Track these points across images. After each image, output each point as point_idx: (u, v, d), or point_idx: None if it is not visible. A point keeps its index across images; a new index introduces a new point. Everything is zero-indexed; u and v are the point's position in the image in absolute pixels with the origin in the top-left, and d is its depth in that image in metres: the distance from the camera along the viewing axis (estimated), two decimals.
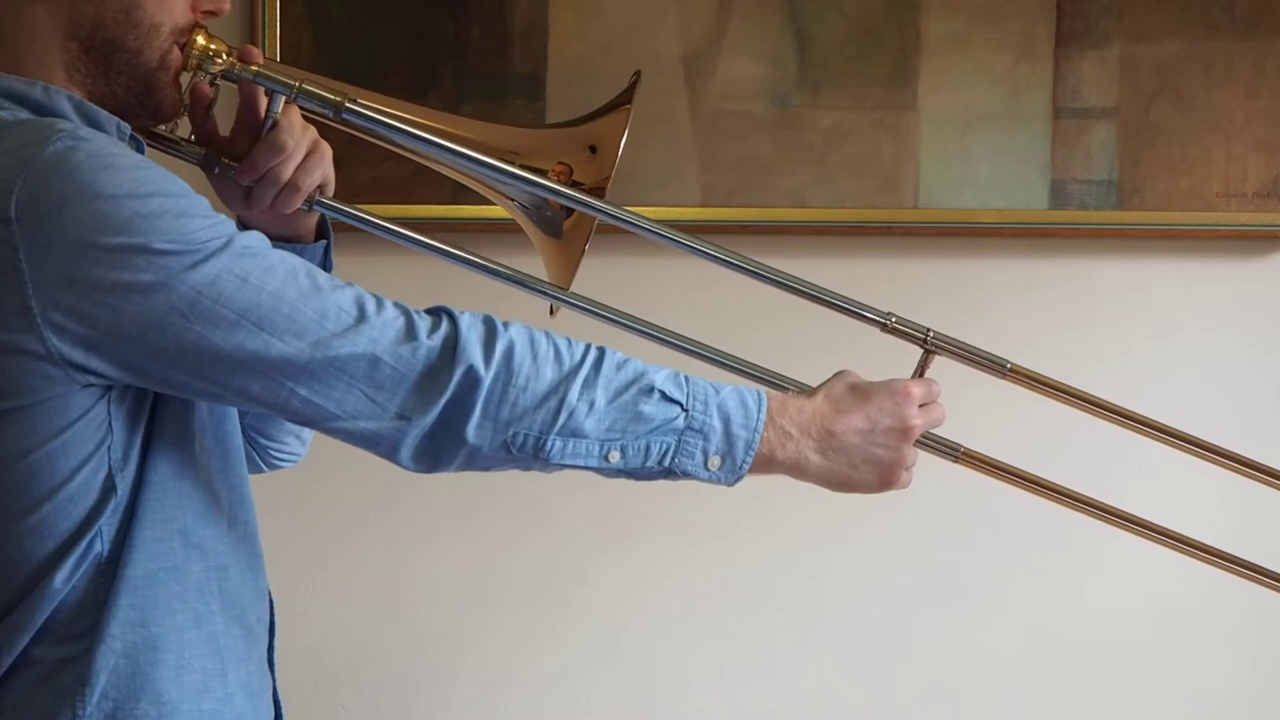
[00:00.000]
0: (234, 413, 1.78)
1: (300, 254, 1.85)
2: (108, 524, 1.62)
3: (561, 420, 1.65)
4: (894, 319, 1.89)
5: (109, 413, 1.61)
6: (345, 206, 1.83)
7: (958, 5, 2.88)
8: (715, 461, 1.72)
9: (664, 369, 1.72)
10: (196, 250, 1.56)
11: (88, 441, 1.60)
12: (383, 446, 1.65)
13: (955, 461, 1.90)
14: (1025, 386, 1.94)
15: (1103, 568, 2.95)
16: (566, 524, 2.89)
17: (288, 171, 1.77)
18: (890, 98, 2.88)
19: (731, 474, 1.74)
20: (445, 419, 1.63)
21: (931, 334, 1.89)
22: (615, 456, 1.68)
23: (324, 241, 1.89)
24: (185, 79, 1.74)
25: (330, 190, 1.83)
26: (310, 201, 1.80)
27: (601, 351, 1.70)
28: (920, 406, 1.81)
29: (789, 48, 2.86)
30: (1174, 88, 2.90)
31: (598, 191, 1.84)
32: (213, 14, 1.74)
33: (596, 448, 1.67)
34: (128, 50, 1.68)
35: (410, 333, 1.63)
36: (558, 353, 1.67)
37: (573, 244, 1.87)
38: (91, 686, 1.62)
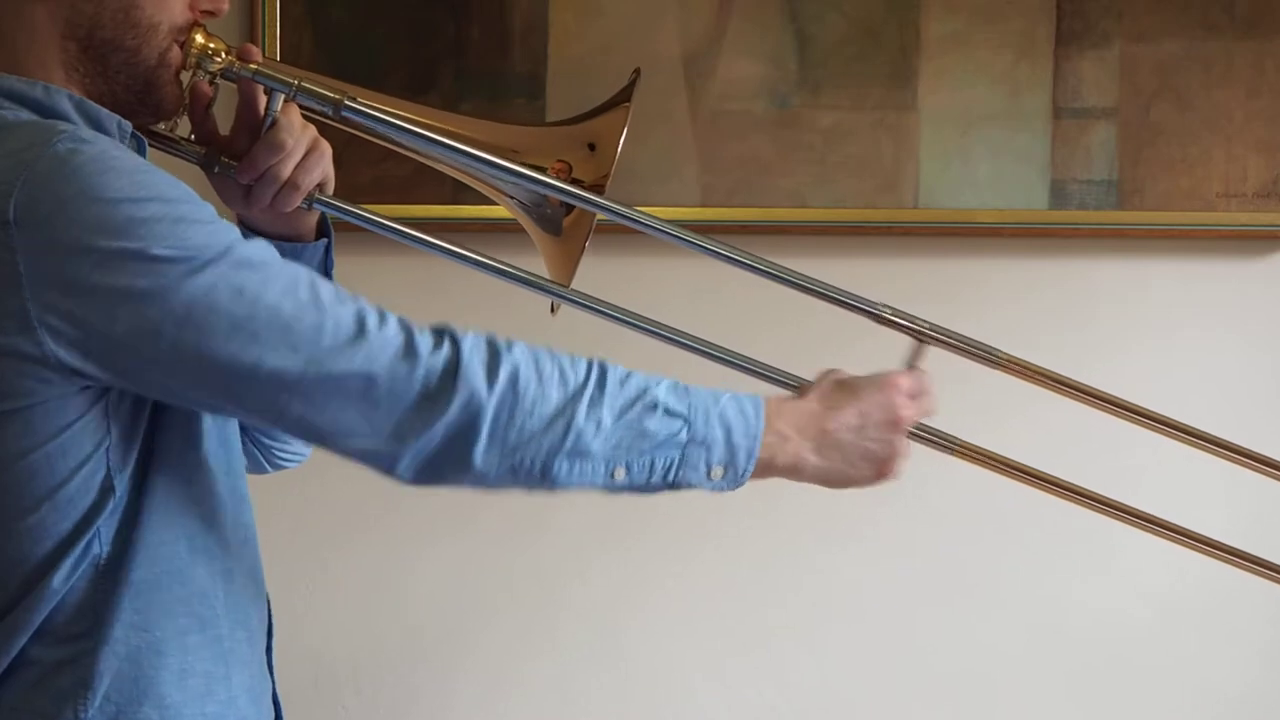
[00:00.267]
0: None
1: (300, 253, 1.85)
2: (106, 525, 1.62)
3: (570, 442, 1.63)
4: (888, 310, 1.88)
5: (107, 415, 1.60)
6: (345, 205, 1.83)
7: (958, 5, 2.88)
8: (718, 472, 1.70)
9: (663, 380, 1.70)
10: (193, 258, 1.54)
11: (86, 443, 1.60)
12: (379, 465, 1.62)
13: (950, 454, 1.90)
14: (1019, 377, 1.93)
15: (1105, 564, 2.95)
16: (566, 524, 2.89)
17: (287, 170, 1.76)
18: (890, 98, 2.88)
19: (734, 482, 1.72)
20: (447, 443, 1.60)
21: (926, 324, 1.89)
22: (621, 474, 1.66)
23: (324, 240, 1.89)
24: (185, 78, 1.74)
25: (330, 189, 1.82)
26: (310, 200, 1.80)
27: (604, 368, 1.67)
28: (910, 398, 1.81)
29: (789, 48, 2.86)
30: (1174, 88, 2.91)
31: (597, 189, 1.84)
32: (211, 14, 1.74)
33: (603, 467, 1.65)
34: (126, 49, 1.68)
35: (410, 351, 1.60)
36: (562, 373, 1.64)
37: (573, 241, 1.87)
38: (94, 690, 1.62)
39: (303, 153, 1.77)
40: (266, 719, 1.80)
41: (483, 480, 1.63)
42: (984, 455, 1.92)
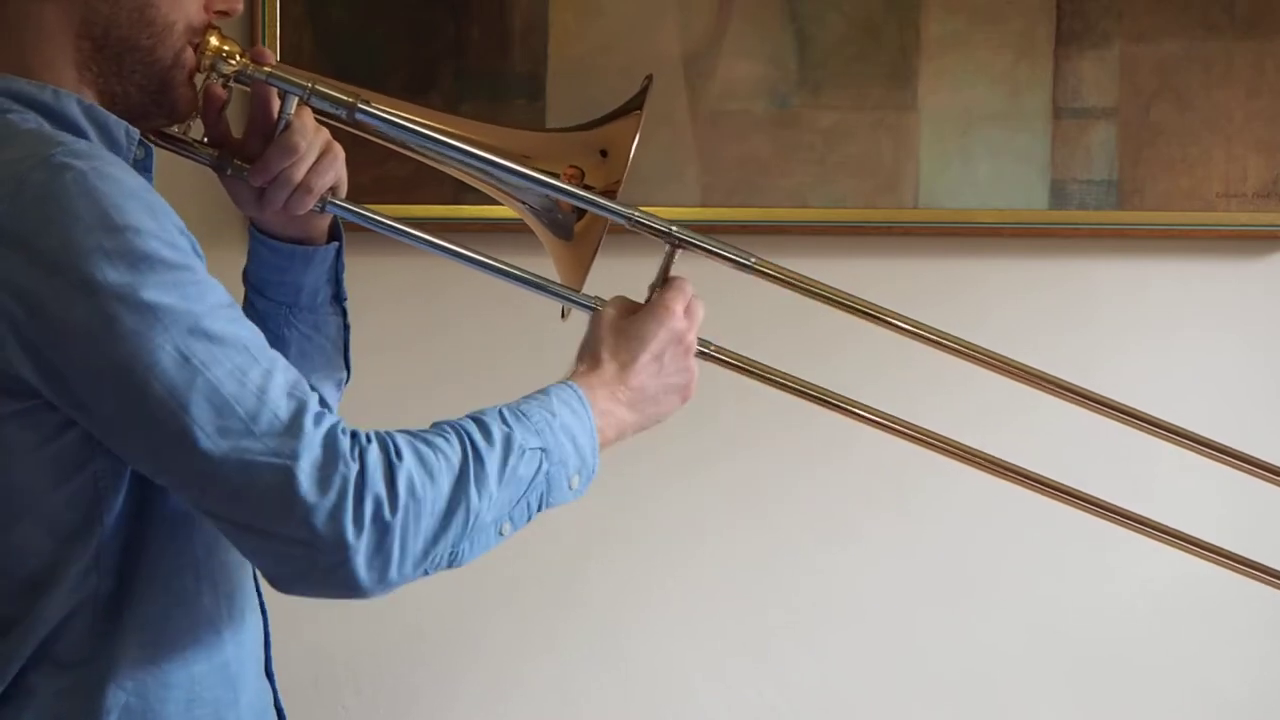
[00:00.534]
0: None
1: (312, 256, 1.86)
2: (106, 554, 1.59)
3: (471, 525, 1.60)
4: (638, 213, 1.84)
5: (91, 438, 1.56)
6: (358, 208, 1.83)
7: (958, 5, 2.88)
8: (575, 480, 1.70)
9: (507, 412, 1.66)
10: (150, 310, 1.50)
11: (66, 464, 1.57)
12: (283, 569, 1.56)
13: (705, 359, 1.87)
14: (771, 281, 1.90)
15: (1104, 564, 2.95)
16: (566, 523, 2.85)
17: (300, 173, 1.76)
18: (890, 98, 2.88)
19: (588, 482, 1.72)
20: (363, 559, 1.53)
21: (674, 229, 1.85)
22: (507, 529, 1.64)
23: (336, 244, 1.89)
24: (199, 81, 1.73)
25: (343, 192, 1.82)
26: (323, 203, 1.80)
27: (465, 431, 1.62)
28: (685, 313, 1.81)
29: (789, 48, 2.86)
30: (1174, 88, 2.91)
31: (609, 195, 1.84)
32: (225, 14, 1.73)
33: (493, 531, 1.63)
34: (141, 49, 1.67)
35: (328, 460, 1.53)
36: (443, 457, 1.59)
37: (584, 246, 1.87)
38: None
39: (316, 156, 1.77)
40: None
41: (398, 585, 1.58)
42: (730, 357, 1.90)
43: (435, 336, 2.81)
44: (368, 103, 1.76)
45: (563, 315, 1.92)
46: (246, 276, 1.91)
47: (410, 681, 2.91)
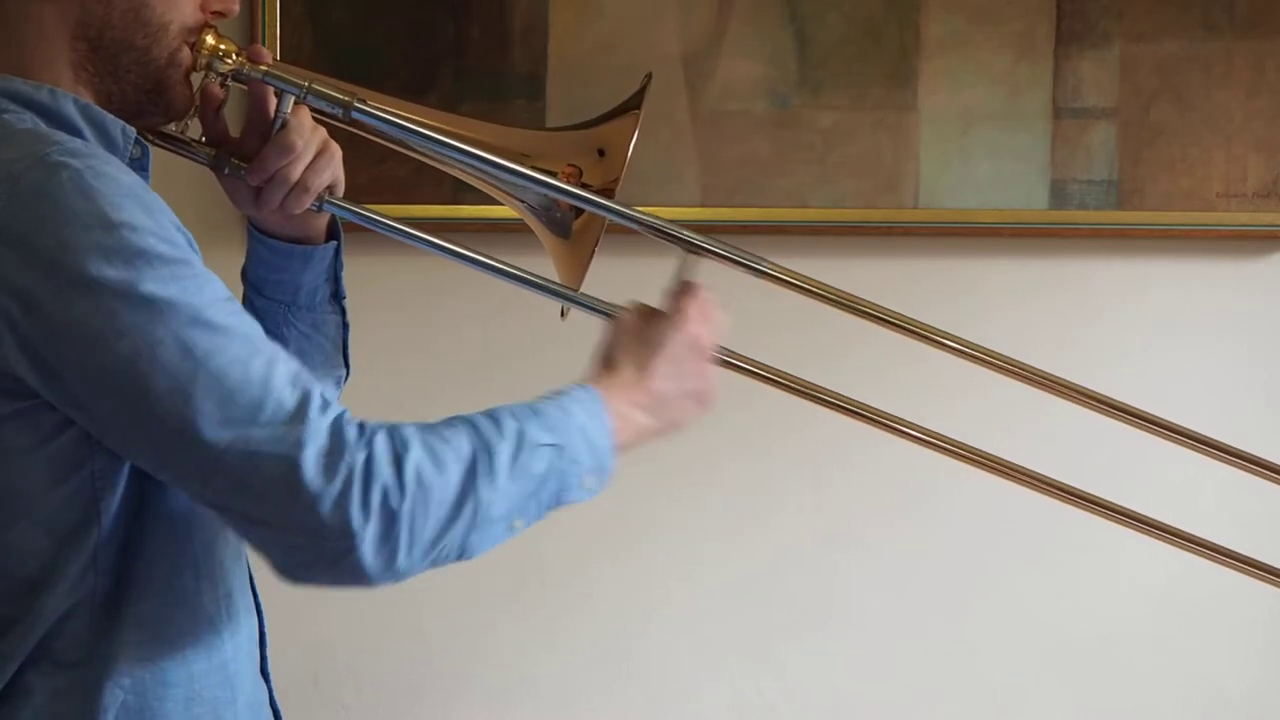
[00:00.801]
0: None
1: (310, 255, 1.86)
2: (104, 553, 1.59)
3: (480, 518, 1.59)
4: (658, 221, 1.83)
5: (89, 436, 1.56)
6: (355, 207, 1.83)
7: (958, 5, 2.88)
8: (590, 480, 1.69)
9: (521, 410, 1.66)
10: (150, 303, 1.50)
11: (64, 464, 1.57)
12: (290, 559, 1.55)
13: (725, 368, 1.87)
14: (781, 285, 1.88)
15: (1106, 564, 2.95)
16: (571, 524, 2.85)
17: (297, 172, 1.76)
18: (890, 98, 2.88)
19: (602, 483, 1.71)
20: (368, 548, 1.53)
21: (693, 236, 1.84)
22: (520, 524, 1.63)
23: (334, 243, 1.89)
24: (196, 80, 1.73)
25: (340, 191, 1.82)
26: (320, 202, 1.80)
27: (475, 425, 1.62)
28: (702, 320, 1.80)
29: (789, 48, 2.86)
30: (1174, 88, 2.91)
31: (606, 193, 1.84)
32: (221, 14, 1.73)
33: (504, 525, 1.62)
34: (136, 49, 1.67)
35: (335, 448, 1.53)
36: (454, 448, 1.59)
37: (582, 245, 1.86)
38: None
39: (313, 155, 1.77)
40: None
41: (406, 575, 1.57)
42: (745, 362, 1.90)
43: (435, 336, 2.81)
44: (364, 101, 1.76)
45: (562, 315, 1.92)
46: (245, 275, 1.91)
47: (411, 681, 2.91)
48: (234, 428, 1.50)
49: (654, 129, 2.81)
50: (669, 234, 1.84)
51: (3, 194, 1.51)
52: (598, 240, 1.85)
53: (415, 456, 1.55)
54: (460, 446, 1.59)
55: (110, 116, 1.66)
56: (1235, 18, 2.91)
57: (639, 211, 1.83)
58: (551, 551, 2.90)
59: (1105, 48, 2.90)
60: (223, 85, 1.76)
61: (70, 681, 1.61)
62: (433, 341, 2.81)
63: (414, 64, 2.80)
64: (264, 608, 1.84)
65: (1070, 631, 3.01)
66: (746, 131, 2.86)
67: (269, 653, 1.84)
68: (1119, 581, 2.97)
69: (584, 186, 1.85)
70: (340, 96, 1.75)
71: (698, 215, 2.83)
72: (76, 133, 1.62)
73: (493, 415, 1.63)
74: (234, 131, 1.80)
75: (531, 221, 1.90)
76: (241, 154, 1.78)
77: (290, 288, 1.90)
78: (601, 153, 1.88)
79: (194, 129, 1.79)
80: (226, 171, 1.79)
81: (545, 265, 1.93)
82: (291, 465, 1.51)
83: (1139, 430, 2.03)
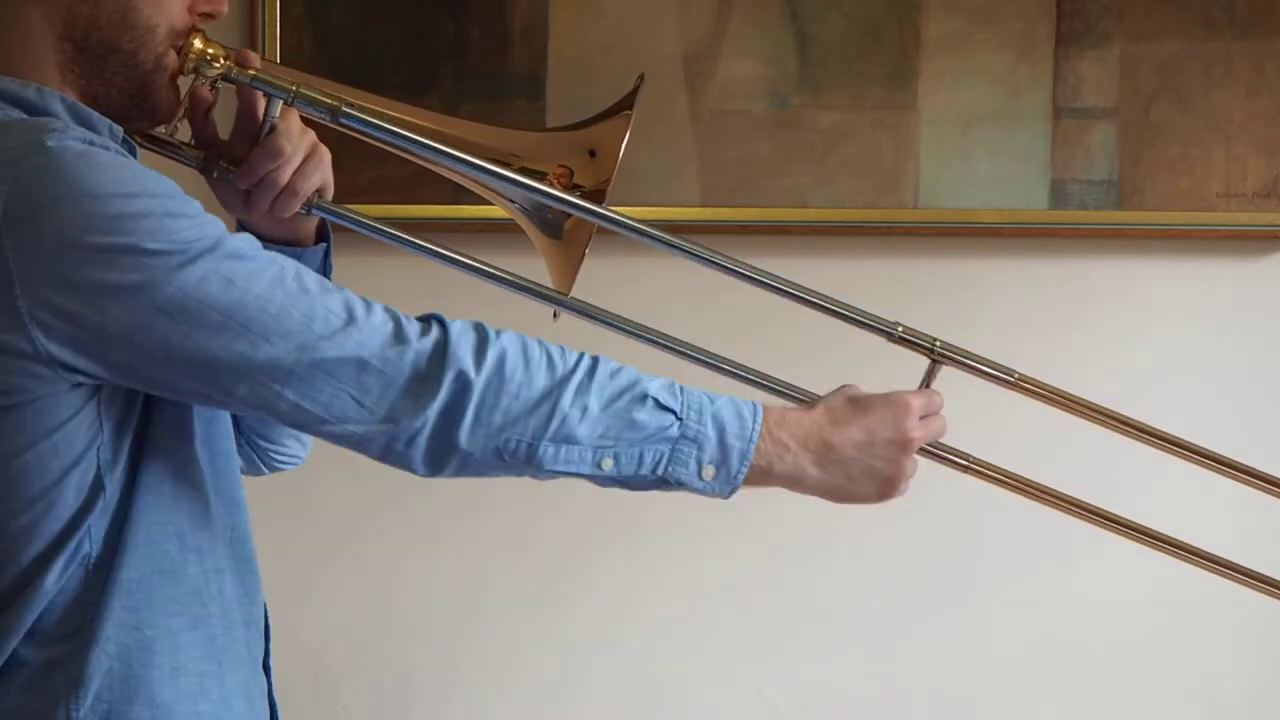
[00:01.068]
0: (224, 418, 1.78)
1: (300, 257, 1.85)
2: (96, 524, 1.62)
3: (554, 426, 1.64)
4: (901, 329, 1.87)
5: (99, 413, 1.60)
6: (343, 210, 1.83)
7: (958, 5, 2.88)
8: (709, 471, 1.70)
9: (659, 378, 1.71)
10: (183, 251, 1.55)
11: (78, 442, 1.60)
12: (373, 450, 1.64)
13: (964, 472, 1.90)
14: (1031, 396, 1.92)
15: (1107, 567, 2.94)
16: (567, 523, 2.89)
17: (285, 175, 1.76)
18: (890, 98, 2.88)
19: (726, 484, 1.72)
20: (437, 424, 1.62)
21: (938, 344, 1.87)
22: (609, 464, 1.67)
23: (324, 245, 1.89)
24: (184, 83, 1.74)
25: (329, 194, 1.82)
26: (309, 205, 1.80)
27: (595, 359, 1.68)
28: (921, 419, 1.79)
29: (789, 48, 2.86)
30: (1174, 88, 2.90)
31: (598, 194, 1.84)
32: (210, 16, 1.74)
33: (590, 454, 1.66)
34: (123, 52, 1.68)
35: (399, 336, 1.62)
36: (550, 360, 1.66)
37: (573, 245, 1.86)
38: (85, 689, 1.62)
39: (301, 158, 1.77)
40: (261, 719, 1.81)
41: (470, 461, 1.64)
42: (998, 474, 1.92)
43: None
44: (351, 105, 1.76)
45: (554, 315, 1.92)
46: None
47: (409, 681, 2.92)
48: (292, 340, 1.58)
49: (654, 129, 2.81)
50: (647, 235, 1.85)
51: (7, 179, 1.53)
52: (589, 241, 1.85)
53: (504, 346, 1.64)
54: (559, 361, 1.66)
55: (97, 115, 1.68)
56: (1235, 18, 2.90)
57: (614, 212, 1.83)
58: (547, 551, 2.91)
59: (1105, 48, 2.89)
60: (212, 88, 1.76)
61: (61, 653, 1.63)
62: None
63: (414, 64, 2.80)
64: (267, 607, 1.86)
65: (1072, 631, 3.00)
66: (746, 131, 2.86)
67: (271, 648, 1.86)
68: (1118, 583, 2.96)
69: (575, 188, 1.85)
70: (328, 100, 1.75)
71: (698, 215, 2.84)
72: None
73: (624, 366, 1.70)
74: (223, 134, 1.81)
75: (523, 222, 1.90)
76: (230, 157, 1.79)
77: None
78: (593, 154, 1.87)
79: (183, 132, 1.79)
80: (215, 175, 1.80)
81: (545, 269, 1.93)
82: (359, 363, 1.60)
83: (1143, 445, 2.01)
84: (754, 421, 1.72)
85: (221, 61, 1.73)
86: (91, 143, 1.58)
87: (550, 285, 1.88)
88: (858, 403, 1.79)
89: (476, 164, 1.79)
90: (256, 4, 2.73)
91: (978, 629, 2.99)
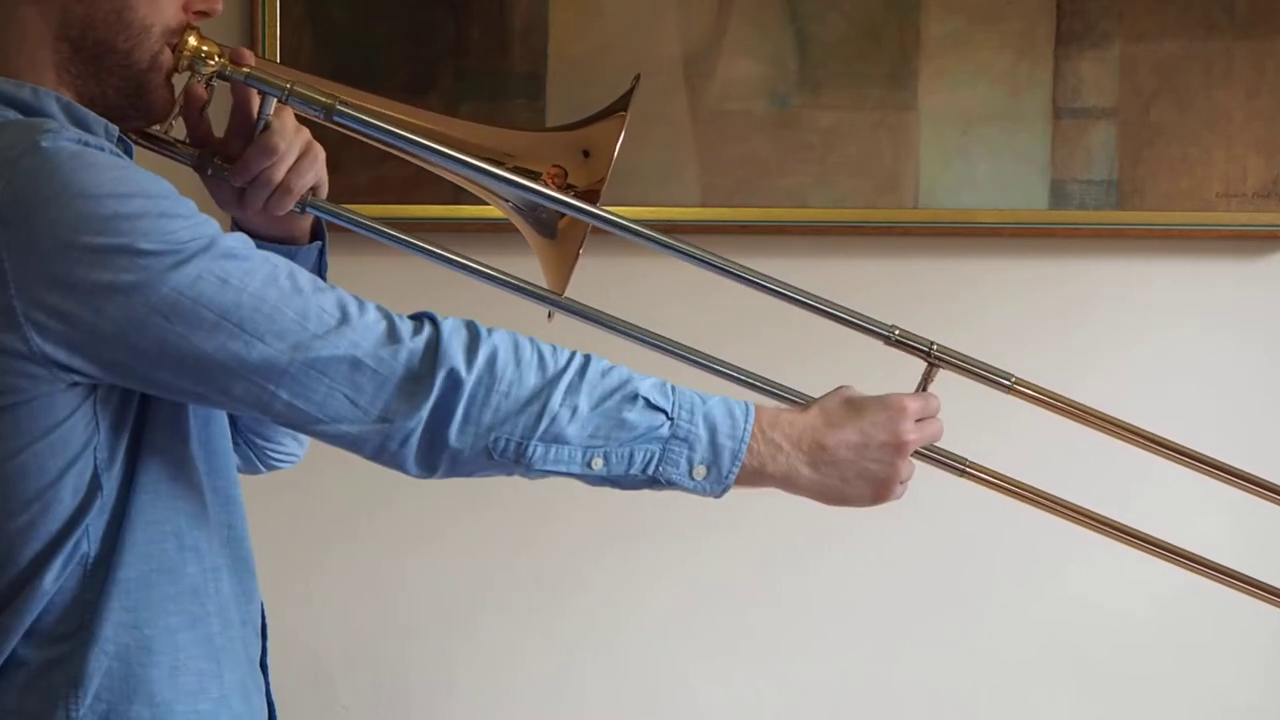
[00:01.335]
0: (220, 417, 1.78)
1: (294, 256, 1.85)
2: (94, 523, 1.63)
3: (544, 425, 1.64)
4: (898, 332, 1.87)
5: (95, 412, 1.61)
6: (337, 209, 1.83)
7: (958, 5, 2.88)
8: (700, 471, 1.70)
9: (650, 377, 1.71)
10: (178, 251, 1.56)
11: (74, 442, 1.60)
12: (367, 450, 1.64)
13: (961, 476, 1.90)
14: (1029, 401, 1.92)
15: (1104, 568, 2.94)
16: (564, 522, 2.89)
17: (279, 174, 1.76)
18: (890, 98, 2.88)
19: (718, 484, 1.72)
20: (430, 422, 1.62)
21: (935, 347, 1.87)
22: (598, 463, 1.67)
23: (318, 243, 1.90)
24: (179, 80, 1.74)
25: (323, 193, 1.82)
26: (303, 204, 1.80)
27: (587, 358, 1.69)
28: (916, 421, 1.79)
29: (789, 48, 2.86)
30: (1174, 88, 2.90)
31: (592, 194, 1.84)
32: (205, 14, 1.74)
33: (579, 454, 1.66)
34: (119, 51, 1.68)
35: (392, 335, 1.62)
36: (541, 359, 1.66)
37: (568, 245, 1.86)
38: (84, 688, 1.62)
39: (295, 157, 1.77)
40: (259, 718, 1.81)
41: (460, 460, 1.65)
42: (996, 479, 1.92)
43: None
44: (345, 103, 1.76)
45: (549, 316, 1.92)
46: None
47: (408, 680, 2.92)
48: (286, 340, 1.59)
49: (654, 129, 2.81)
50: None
51: (1, 179, 1.53)
52: (583, 241, 1.85)
53: (495, 344, 1.64)
54: (550, 360, 1.67)
55: (93, 115, 1.68)
56: (1235, 18, 2.90)
57: (607, 211, 1.83)
58: (545, 550, 2.91)
59: (1105, 48, 2.89)
60: (207, 86, 1.76)
61: (61, 653, 1.63)
62: None
63: (414, 64, 2.80)
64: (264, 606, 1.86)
65: (1066, 633, 3.00)
66: (746, 131, 2.86)
67: (268, 646, 1.86)
68: (1116, 585, 2.96)
69: (569, 188, 1.85)
70: (322, 99, 1.75)
71: (698, 215, 2.84)
72: None
73: (616, 365, 1.70)
74: (218, 132, 1.81)
75: (517, 222, 1.91)
76: (225, 155, 1.79)
77: None
78: (587, 154, 1.88)
79: (178, 129, 1.79)
80: (210, 172, 1.80)
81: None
82: (353, 362, 1.60)
83: (1152, 453, 2.01)
84: (746, 421, 1.72)
85: (216, 59, 1.73)
86: (86, 143, 1.59)
87: (545, 285, 1.88)
88: (853, 404, 1.79)
89: (470, 163, 1.80)
90: (256, 4, 2.73)
91: (975, 630, 2.99)
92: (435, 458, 1.64)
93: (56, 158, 1.54)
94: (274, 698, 1.86)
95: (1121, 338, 2.96)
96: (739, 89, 2.86)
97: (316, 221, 1.89)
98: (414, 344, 1.62)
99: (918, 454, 1.82)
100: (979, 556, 2.97)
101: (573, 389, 1.66)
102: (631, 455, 1.68)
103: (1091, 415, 1.94)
